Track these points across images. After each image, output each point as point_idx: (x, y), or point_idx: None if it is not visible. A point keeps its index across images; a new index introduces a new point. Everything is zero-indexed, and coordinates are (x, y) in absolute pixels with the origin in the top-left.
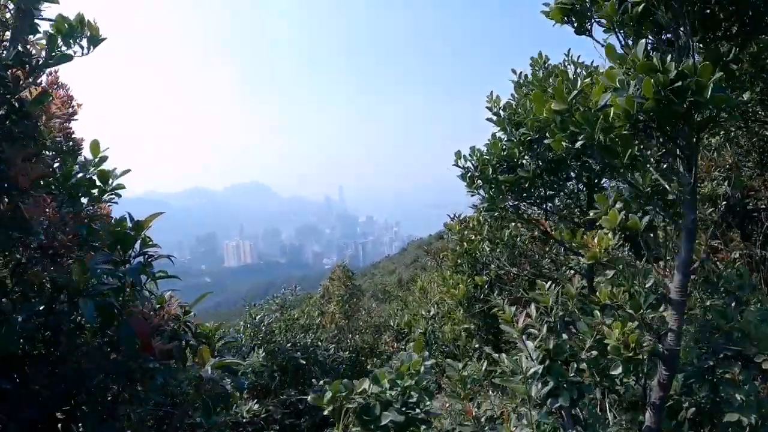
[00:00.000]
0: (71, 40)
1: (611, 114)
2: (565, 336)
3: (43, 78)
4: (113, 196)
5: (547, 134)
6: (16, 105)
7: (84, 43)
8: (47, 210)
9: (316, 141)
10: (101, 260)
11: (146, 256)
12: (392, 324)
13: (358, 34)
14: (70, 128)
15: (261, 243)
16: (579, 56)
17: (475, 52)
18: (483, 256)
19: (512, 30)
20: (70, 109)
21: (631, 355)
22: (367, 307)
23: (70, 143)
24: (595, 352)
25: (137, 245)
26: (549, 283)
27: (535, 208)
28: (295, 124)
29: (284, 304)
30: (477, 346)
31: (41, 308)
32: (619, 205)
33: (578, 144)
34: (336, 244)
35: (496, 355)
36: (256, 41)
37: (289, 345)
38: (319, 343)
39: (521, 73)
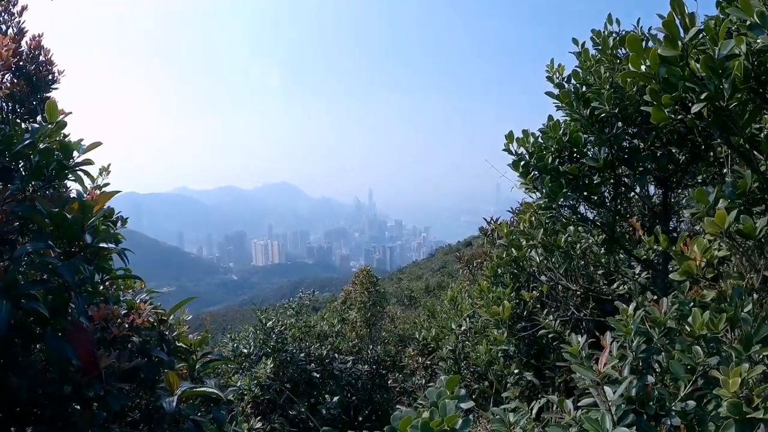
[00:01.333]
0: None
1: (737, 66)
2: (651, 378)
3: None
4: (79, 175)
5: (646, 97)
6: None
7: None
8: None
9: (348, 144)
10: (37, 249)
11: (95, 249)
12: (418, 336)
13: (391, 35)
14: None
15: (289, 243)
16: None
17: (511, 60)
18: (531, 266)
19: (543, 33)
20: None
21: (755, 415)
22: (391, 315)
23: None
24: (692, 403)
25: (87, 234)
26: (632, 306)
27: (600, 208)
28: (328, 125)
29: (300, 309)
30: (516, 371)
31: None
32: (722, 203)
33: (695, 108)
34: (364, 248)
35: (554, 398)
36: (290, 44)
37: (302, 355)
38: (336, 355)
39: (583, 43)
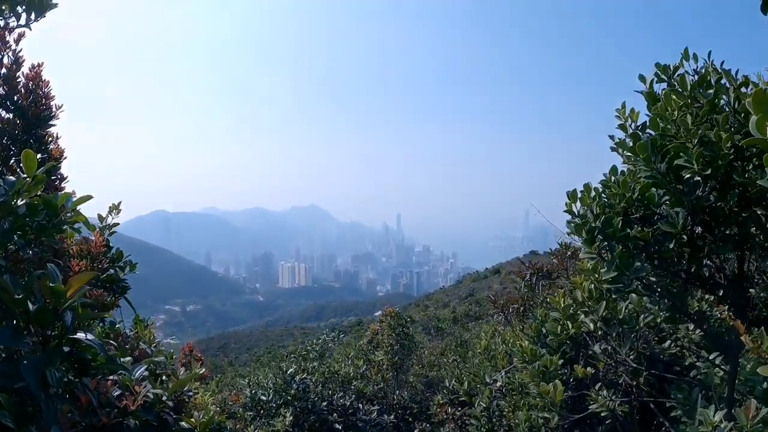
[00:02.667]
0: (2, 5)
1: None
2: None
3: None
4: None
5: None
6: None
7: (23, 8)
8: None
9: (377, 169)
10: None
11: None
12: (447, 384)
13: (422, 64)
14: None
15: (316, 266)
16: (723, 62)
17: (538, 89)
18: (586, 332)
19: (572, 60)
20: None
21: None
22: (420, 355)
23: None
24: None
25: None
26: (718, 414)
27: (670, 277)
28: (357, 151)
29: (324, 353)
30: None
31: None
32: None
33: None
34: (391, 273)
35: None
36: (324, 71)
37: (324, 404)
38: (361, 405)
39: (651, 81)
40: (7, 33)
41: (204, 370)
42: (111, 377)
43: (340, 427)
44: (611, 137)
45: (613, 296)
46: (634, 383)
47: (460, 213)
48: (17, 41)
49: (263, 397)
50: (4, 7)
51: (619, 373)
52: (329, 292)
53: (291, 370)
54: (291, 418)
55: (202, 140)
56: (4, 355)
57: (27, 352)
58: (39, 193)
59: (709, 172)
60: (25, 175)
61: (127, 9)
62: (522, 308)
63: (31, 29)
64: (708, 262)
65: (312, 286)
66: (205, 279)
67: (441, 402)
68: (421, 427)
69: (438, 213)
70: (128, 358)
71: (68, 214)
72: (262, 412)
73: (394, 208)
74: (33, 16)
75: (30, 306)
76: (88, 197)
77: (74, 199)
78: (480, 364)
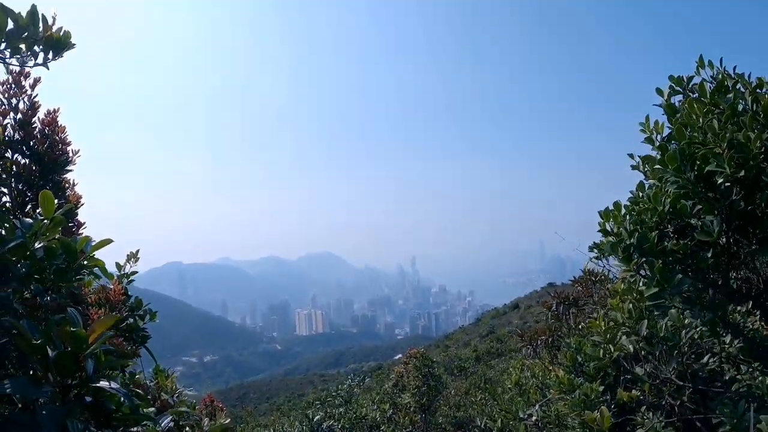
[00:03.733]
0: (19, 43)
1: None
2: None
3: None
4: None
5: None
6: None
7: (40, 48)
8: None
9: (390, 213)
10: (15, 390)
11: (95, 389)
12: (479, 423)
13: (431, 100)
14: None
15: (333, 312)
16: (735, 67)
17: (557, 119)
18: (626, 354)
19: (577, 89)
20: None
21: None
22: (446, 395)
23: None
24: None
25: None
26: None
27: (709, 288)
28: (369, 195)
29: (350, 398)
30: None
31: None
32: None
33: None
34: (409, 315)
35: None
36: (331, 119)
37: None
38: None
39: (669, 94)
40: (22, 78)
41: (228, 420)
42: (134, 429)
43: None
44: (631, 156)
45: (655, 313)
46: (678, 402)
47: (474, 251)
48: (33, 86)
49: None
50: (22, 46)
51: (662, 394)
52: (347, 338)
53: (317, 417)
54: None
55: (214, 192)
56: (20, 405)
57: (45, 402)
58: (57, 236)
59: (742, 174)
60: (43, 217)
61: (133, 57)
62: (550, 339)
63: (48, 68)
64: (735, 274)
65: (329, 332)
66: (221, 329)
67: None
68: None
69: (452, 252)
70: (151, 409)
71: (87, 259)
72: None
73: (408, 250)
74: (51, 56)
75: (49, 352)
76: (108, 241)
77: (93, 243)
78: (511, 399)
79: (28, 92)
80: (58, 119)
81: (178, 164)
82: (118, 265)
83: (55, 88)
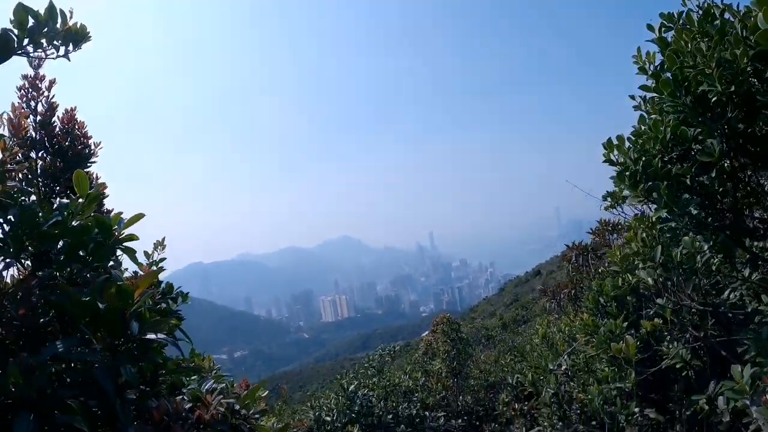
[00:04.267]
0: (40, 38)
1: None
2: None
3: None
4: (120, 251)
5: None
6: None
7: (60, 41)
8: None
9: (403, 190)
10: (68, 348)
11: (143, 342)
12: (511, 381)
13: (440, 75)
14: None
15: (357, 296)
16: None
17: (559, 84)
18: (644, 289)
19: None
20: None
21: None
22: (475, 359)
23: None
24: None
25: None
26: None
27: (718, 209)
28: (381, 175)
29: (382, 368)
30: (637, 409)
31: None
32: None
33: None
34: (432, 291)
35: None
36: (337, 95)
37: (390, 417)
38: (426, 413)
39: (660, 27)
40: (38, 81)
41: (266, 392)
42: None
43: None
44: (632, 97)
45: (667, 236)
46: (701, 333)
47: (492, 222)
48: (49, 88)
49: (327, 418)
50: (43, 41)
51: (685, 327)
52: (373, 320)
53: (352, 387)
54: None
55: (225, 190)
56: (72, 365)
57: (97, 361)
58: (92, 213)
59: (732, 89)
60: (78, 196)
61: (140, 59)
62: (573, 291)
63: (69, 60)
64: (750, 213)
65: (355, 316)
66: (248, 324)
67: (506, 400)
68: (490, 428)
69: (470, 225)
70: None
71: (122, 234)
72: None
73: (425, 227)
74: (71, 48)
75: (100, 306)
76: (141, 215)
77: (125, 219)
78: (540, 354)
79: (45, 94)
80: (76, 116)
81: (189, 166)
82: (146, 254)
83: (69, 89)
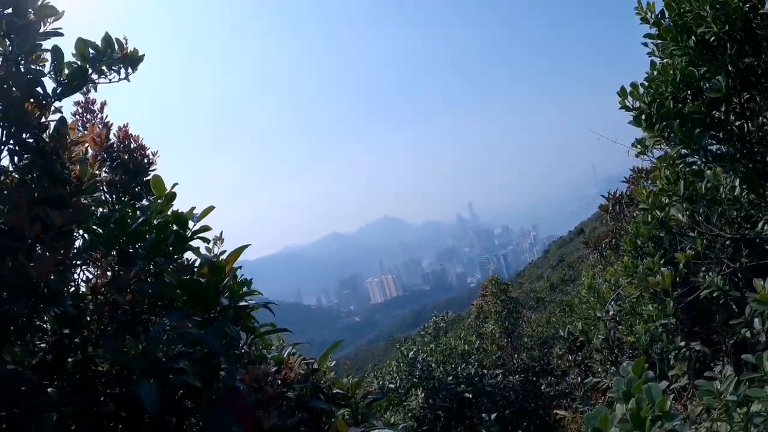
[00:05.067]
0: (102, 66)
1: None
2: None
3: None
4: (194, 246)
5: None
6: (30, 141)
7: (119, 66)
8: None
9: (438, 163)
10: (174, 322)
11: (237, 308)
12: (563, 333)
13: (468, 41)
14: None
15: (403, 274)
16: None
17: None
18: (676, 225)
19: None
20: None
21: None
22: (527, 318)
23: (136, 186)
24: None
25: (223, 297)
26: None
27: (732, 143)
28: (412, 151)
29: (438, 333)
30: (682, 344)
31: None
32: None
33: None
34: (477, 261)
35: (749, 357)
36: (364, 79)
37: (450, 378)
38: (485, 371)
39: None
40: (90, 105)
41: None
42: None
43: (470, 396)
44: (645, 44)
45: (687, 170)
46: (737, 264)
47: (530, 185)
48: (101, 109)
49: (391, 385)
50: (104, 68)
51: (719, 256)
52: (421, 296)
53: (411, 353)
54: (423, 395)
55: (263, 185)
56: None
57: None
58: (170, 211)
59: (726, 28)
60: (156, 197)
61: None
62: (613, 240)
63: (129, 81)
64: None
65: (403, 294)
66: (299, 314)
67: (560, 353)
68: (546, 381)
69: (508, 190)
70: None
71: (198, 226)
72: (395, 399)
73: (463, 197)
74: (130, 71)
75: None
76: (211, 208)
77: (198, 213)
78: (587, 303)
79: (98, 115)
80: (129, 131)
81: (224, 165)
82: (208, 249)
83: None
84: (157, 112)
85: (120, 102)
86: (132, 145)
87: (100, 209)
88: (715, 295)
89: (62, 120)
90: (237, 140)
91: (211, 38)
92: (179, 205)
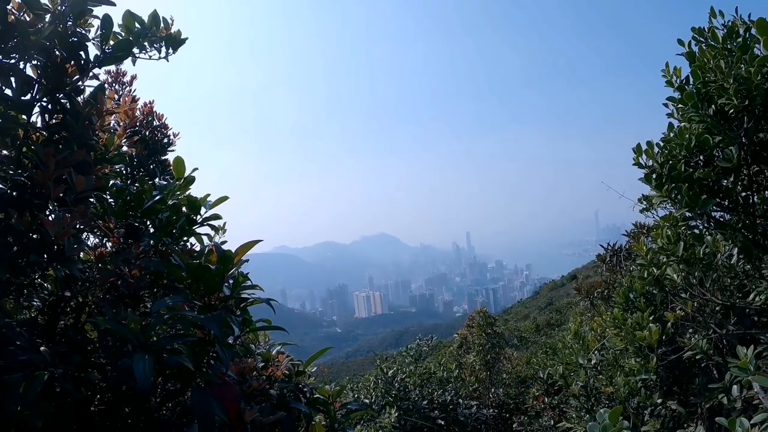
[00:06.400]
0: (144, 42)
1: None
2: None
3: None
4: (207, 229)
5: None
6: (65, 102)
7: (161, 44)
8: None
9: (442, 191)
10: (176, 303)
11: (238, 299)
12: (542, 375)
13: (474, 76)
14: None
15: (391, 293)
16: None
17: (591, 84)
18: (669, 285)
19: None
20: (154, 120)
21: None
22: (508, 355)
23: (152, 163)
24: None
25: (226, 286)
26: None
27: (736, 212)
28: (418, 173)
29: (419, 356)
30: (659, 401)
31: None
32: None
33: None
34: (466, 292)
35: (722, 420)
36: (378, 100)
37: (425, 402)
38: (460, 401)
39: (689, 43)
40: (121, 77)
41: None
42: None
43: (442, 423)
44: (666, 105)
45: (688, 233)
46: (723, 331)
47: (529, 224)
48: (130, 83)
49: (366, 400)
50: (146, 43)
51: (708, 321)
52: (406, 318)
53: (391, 371)
54: (396, 414)
55: (265, 182)
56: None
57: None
58: (186, 193)
59: (746, 103)
60: (175, 179)
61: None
62: (606, 291)
63: (168, 61)
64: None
65: (388, 313)
66: (281, 317)
67: (536, 394)
68: (519, 420)
69: (507, 227)
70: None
71: (209, 214)
72: (372, 413)
73: (462, 226)
74: (171, 51)
75: (211, 267)
76: (225, 198)
77: (212, 200)
78: (571, 349)
79: (127, 88)
80: (154, 109)
81: (226, 158)
82: (209, 237)
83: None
84: (180, 93)
85: (146, 78)
86: (155, 123)
87: (114, 180)
88: (698, 357)
89: (101, 87)
90: (245, 134)
91: (252, 28)
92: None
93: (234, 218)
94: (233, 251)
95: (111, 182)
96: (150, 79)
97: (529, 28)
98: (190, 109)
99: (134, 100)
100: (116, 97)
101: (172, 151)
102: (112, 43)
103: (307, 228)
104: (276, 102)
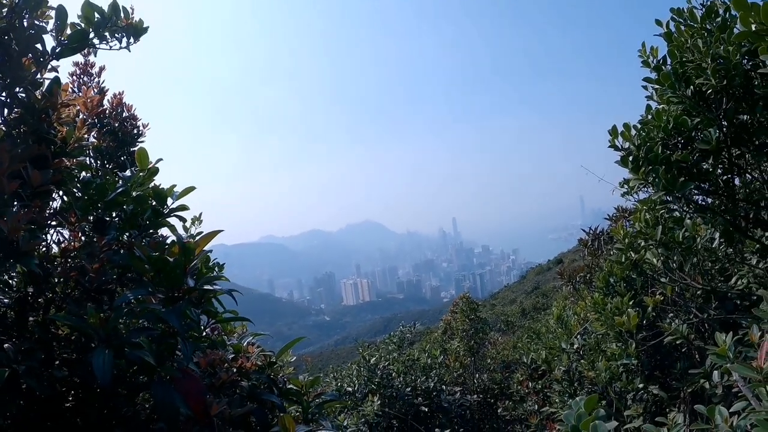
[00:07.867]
0: (105, 32)
1: None
2: None
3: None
4: (174, 220)
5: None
6: (23, 96)
7: (122, 34)
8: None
9: (427, 176)
10: (137, 296)
11: (201, 291)
12: (526, 360)
13: (460, 65)
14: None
15: (378, 280)
16: None
17: (575, 72)
18: (649, 269)
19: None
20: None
21: None
22: (493, 340)
23: (122, 155)
24: None
25: (190, 278)
26: None
27: (715, 195)
28: (405, 161)
29: (402, 343)
30: (641, 386)
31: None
32: None
33: None
34: (453, 277)
35: (701, 408)
36: (363, 87)
37: (408, 390)
38: (443, 387)
39: (667, 23)
40: (89, 68)
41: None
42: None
43: (426, 410)
44: (645, 87)
45: (666, 216)
46: (705, 315)
47: (515, 209)
48: (99, 74)
49: (349, 389)
50: (107, 33)
51: (689, 305)
52: (394, 304)
53: (373, 359)
54: (379, 402)
55: (253, 172)
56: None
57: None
58: (151, 185)
59: (725, 83)
60: (139, 169)
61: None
62: (588, 275)
63: (129, 51)
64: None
65: (376, 300)
66: (269, 306)
67: (521, 379)
68: (504, 405)
69: (494, 212)
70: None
71: (176, 204)
72: (349, 403)
73: (448, 212)
74: (132, 40)
75: (170, 260)
76: (192, 188)
77: (179, 191)
78: (554, 333)
79: (96, 79)
80: (123, 100)
81: (213, 147)
82: (184, 228)
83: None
84: (159, 83)
85: (122, 70)
86: (124, 114)
87: (83, 173)
88: (678, 342)
89: (56, 80)
90: (229, 123)
91: (223, 19)
92: (163, 181)
93: (220, 209)
94: (197, 240)
95: (82, 175)
96: (150, 68)
97: (505, 16)
98: (180, 97)
99: (102, 91)
100: (77, 89)
101: (142, 141)
102: (69, 32)
103: (293, 217)
104: (261, 92)
